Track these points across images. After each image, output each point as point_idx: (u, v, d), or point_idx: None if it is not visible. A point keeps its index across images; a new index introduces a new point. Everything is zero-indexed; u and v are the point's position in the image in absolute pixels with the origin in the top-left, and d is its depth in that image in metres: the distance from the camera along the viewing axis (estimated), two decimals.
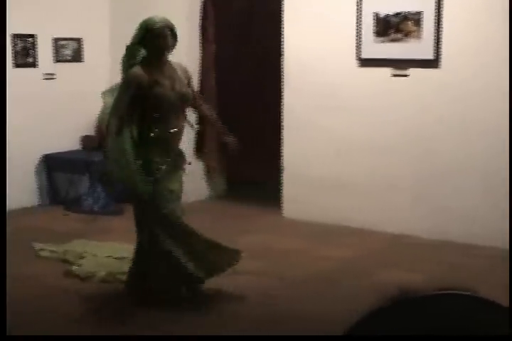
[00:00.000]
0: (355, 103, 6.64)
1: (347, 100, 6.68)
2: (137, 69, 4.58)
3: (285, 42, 6.93)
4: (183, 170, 4.87)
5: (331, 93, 6.74)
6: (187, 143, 7.76)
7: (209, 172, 8.07)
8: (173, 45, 4.68)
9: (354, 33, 6.53)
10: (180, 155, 4.86)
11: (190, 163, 5.01)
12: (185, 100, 4.69)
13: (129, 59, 4.66)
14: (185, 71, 4.85)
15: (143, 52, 4.64)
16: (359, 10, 6.45)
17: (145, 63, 4.61)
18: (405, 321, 1.18)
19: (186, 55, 7.72)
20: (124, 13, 8.23)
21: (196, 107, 4.99)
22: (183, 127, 4.76)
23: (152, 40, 4.55)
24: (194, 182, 7.96)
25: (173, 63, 4.74)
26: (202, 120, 5.46)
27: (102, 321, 4.53)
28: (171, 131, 4.60)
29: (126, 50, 4.69)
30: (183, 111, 4.75)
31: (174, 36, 4.66)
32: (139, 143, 4.58)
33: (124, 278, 5.18)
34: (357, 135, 6.66)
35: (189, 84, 4.83)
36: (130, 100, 4.51)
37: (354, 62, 6.61)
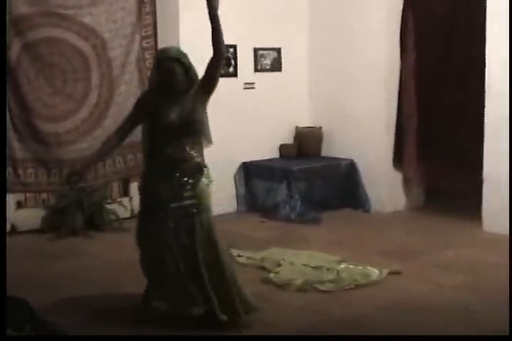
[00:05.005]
0: None
1: None
2: (145, 93, 4.80)
3: (488, 52, 6.68)
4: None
5: None
6: (384, 151, 7.75)
7: (406, 182, 7.95)
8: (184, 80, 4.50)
9: None
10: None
11: None
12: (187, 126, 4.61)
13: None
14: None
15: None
16: None
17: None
18: None
19: (385, 64, 7.67)
20: (321, 23, 8.29)
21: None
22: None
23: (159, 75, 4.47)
24: (391, 192, 7.89)
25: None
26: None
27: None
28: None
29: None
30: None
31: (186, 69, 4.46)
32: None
33: (321, 287, 5.21)
34: None
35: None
36: (130, 119, 4.58)
37: None
